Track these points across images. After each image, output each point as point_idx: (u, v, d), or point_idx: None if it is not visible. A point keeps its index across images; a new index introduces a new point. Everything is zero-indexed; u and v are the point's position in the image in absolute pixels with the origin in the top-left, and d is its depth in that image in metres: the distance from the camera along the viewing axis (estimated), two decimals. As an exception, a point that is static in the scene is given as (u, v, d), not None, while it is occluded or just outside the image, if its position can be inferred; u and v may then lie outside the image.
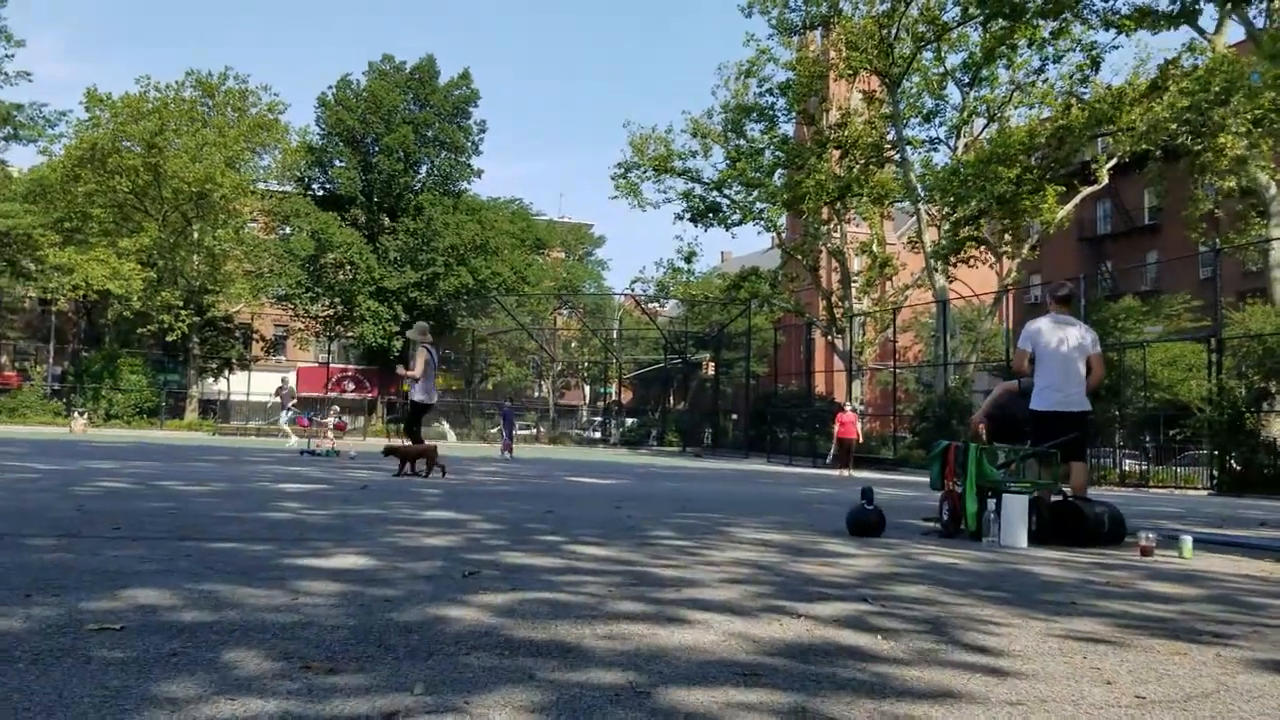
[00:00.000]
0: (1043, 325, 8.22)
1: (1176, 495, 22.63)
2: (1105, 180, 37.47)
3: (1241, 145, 24.50)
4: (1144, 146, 29.92)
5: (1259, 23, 28.44)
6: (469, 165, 53.29)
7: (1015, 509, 7.19)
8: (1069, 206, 37.92)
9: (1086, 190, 37.88)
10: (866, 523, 7.46)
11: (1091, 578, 5.61)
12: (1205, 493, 23.89)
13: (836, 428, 28.82)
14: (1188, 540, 6.92)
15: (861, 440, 30.08)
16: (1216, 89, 25.28)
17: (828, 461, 29.08)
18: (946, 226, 35.62)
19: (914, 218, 41.90)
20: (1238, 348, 24.01)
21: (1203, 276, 42.91)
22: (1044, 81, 35.77)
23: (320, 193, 53.44)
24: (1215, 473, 23.79)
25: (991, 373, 52.99)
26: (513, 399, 36.06)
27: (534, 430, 54.49)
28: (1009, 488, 7.56)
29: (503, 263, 51.72)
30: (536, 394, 65.12)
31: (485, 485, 13.05)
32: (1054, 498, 7.84)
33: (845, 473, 26.92)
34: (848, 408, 30.26)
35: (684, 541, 6.49)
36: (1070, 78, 30.67)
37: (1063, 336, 8.13)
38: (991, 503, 7.24)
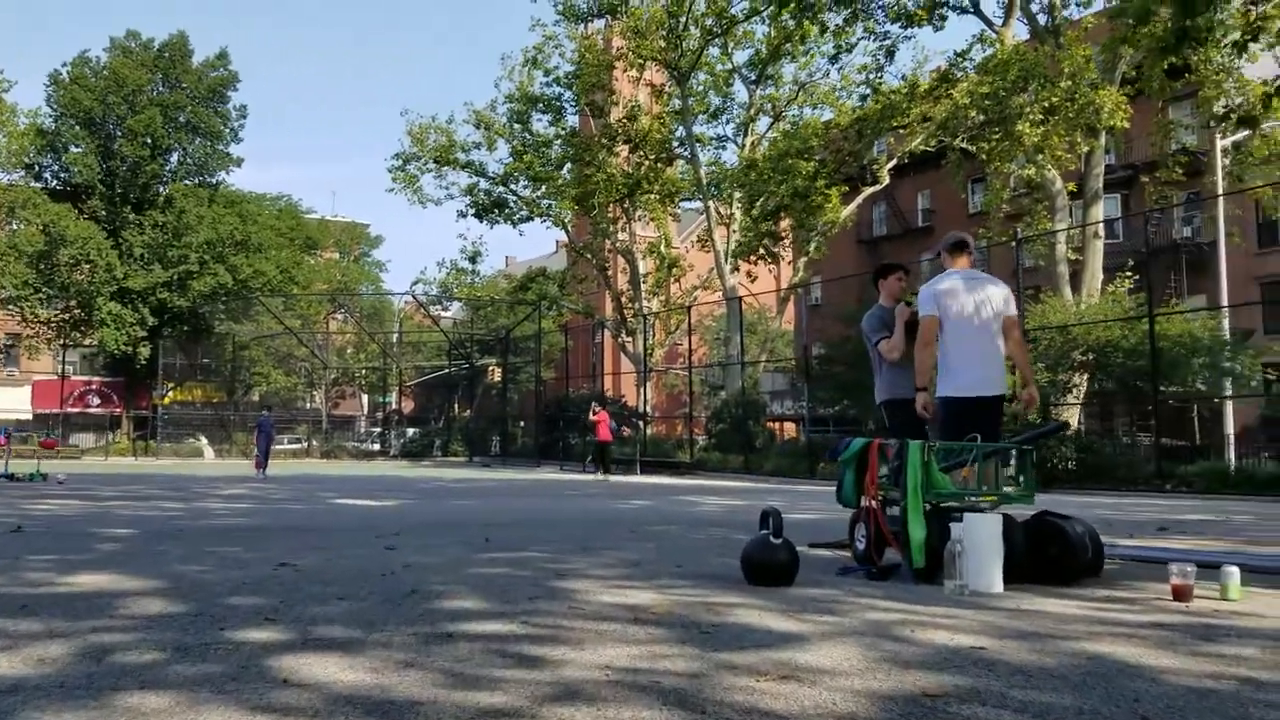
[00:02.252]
0: (953, 284, 5.96)
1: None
2: (886, 180, 37.15)
3: (1038, 134, 23.91)
4: (940, 139, 29.23)
5: (1041, 19, 28.30)
6: (228, 154, 48.00)
7: (986, 537, 4.83)
8: (852, 206, 37.38)
9: (868, 190, 37.45)
10: (775, 567, 4.90)
11: (1195, 663, 3.24)
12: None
13: (596, 427, 27.28)
14: (1234, 574, 4.72)
15: (612, 439, 28.25)
16: (1013, 76, 24.62)
17: (585, 466, 27.04)
18: (744, 223, 34.15)
19: (703, 216, 40.53)
20: (1038, 340, 23.28)
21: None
22: (838, 72, 34.91)
23: (53, 182, 46.91)
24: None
25: (779, 373, 52.58)
26: (270, 408, 31.86)
27: (304, 444, 49.81)
28: (974, 504, 5.21)
29: (267, 261, 46.76)
30: (308, 404, 59.99)
31: (212, 518, 9.79)
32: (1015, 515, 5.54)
33: (604, 477, 25.27)
34: (596, 406, 28.38)
35: (504, 625, 3.73)
36: (865, 68, 29.76)
37: (981, 299, 5.91)
38: (956, 529, 4.83)
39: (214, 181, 49.01)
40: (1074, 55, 24.47)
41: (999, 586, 4.81)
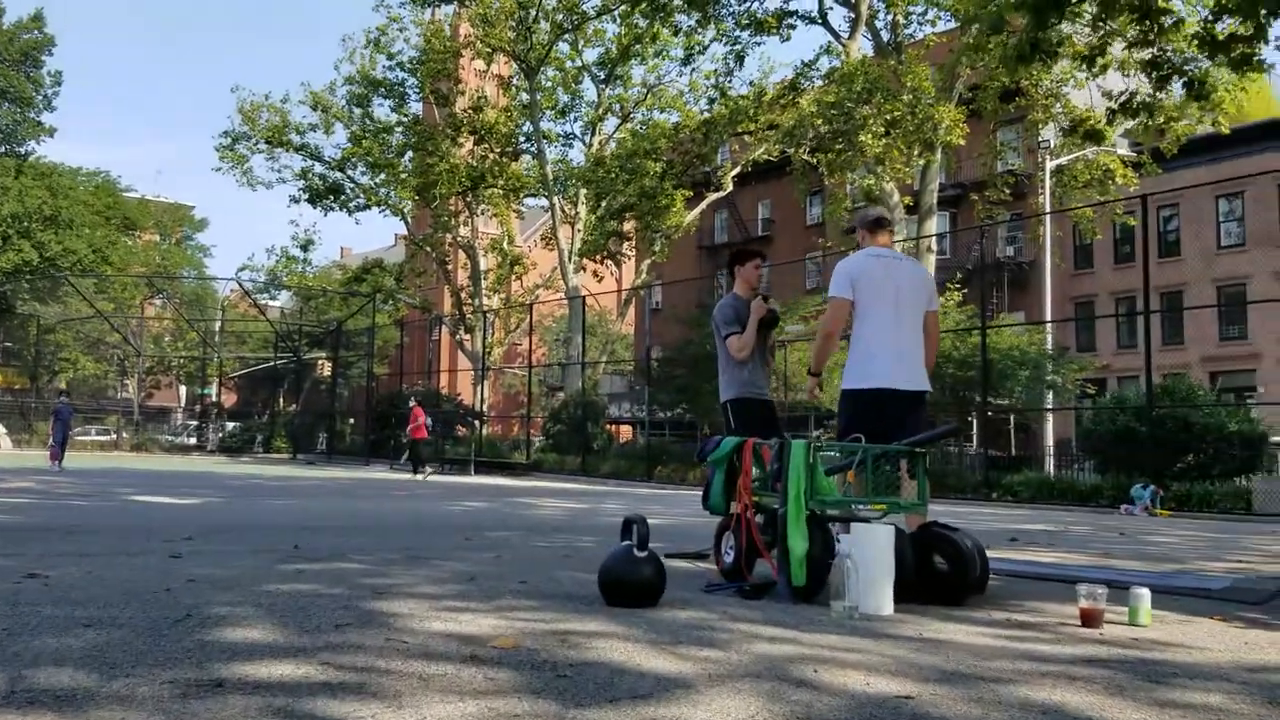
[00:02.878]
0: (867, 264, 5.34)
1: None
2: (730, 187, 37.22)
3: (879, 146, 24.12)
4: (784, 148, 29.25)
5: (885, 35, 28.70)
6: (39, 122, 44.24)
7: (877, 551, 4.19)
8: (696, 212, 37.30)
9: (712, 196, 37.45)
10: (641, 586, 4.13)
11: (1168, 718, 2.64)
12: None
13: (411, 425, 25.81)
14: (1144, 597, 4.22)
15: (426, 436, 26.99)
16: (858, 88, 24.77)
17: (402, 461, 25.61)
18: (590, 221, 33.47)
19: (547, 215, 39.68)
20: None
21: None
22: (687, 76, 34.66)
23: None
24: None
25: (617, 375, 52.14)
26: (69, 394, 29.25)
27: (114, 436, 46.34)
28: (861, 513, 4.58)
29: (79, 239, 43.27)
30: (120, 394, 55.97)
31: (-23, 514, 8.38)
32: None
33: (418, 476, 24.20)
34: (411, 402, 26.94)
35: (298, 667, 2.82)
36: (713, 74, 29.53)
37: (900, 283, 5.32)
38: (843, 543, 4.17)
39: (23, 151, 45.17)
40: (916, 71, 24.85)
41: (889, 608, 4.18)
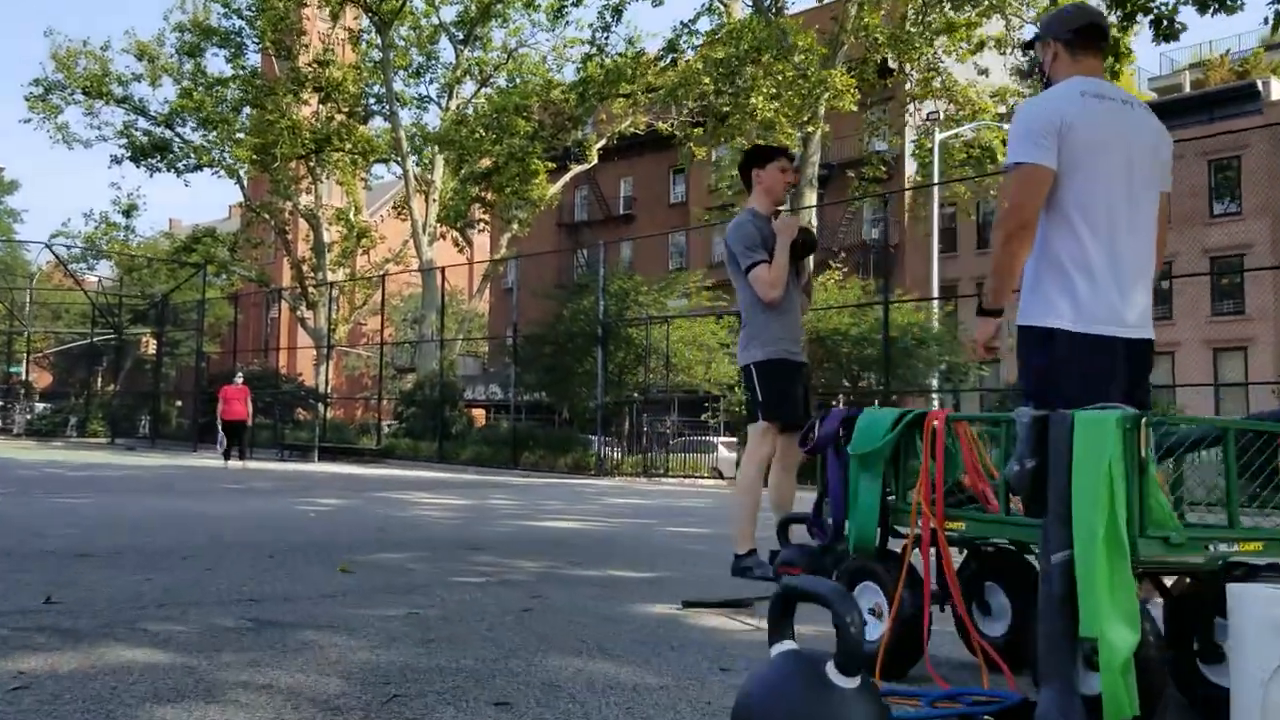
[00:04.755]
0: (1084, 108, 2.83)
1: (693, 486, 19.46)
2: (594, 160, 34.89)
3: (771, 109, 22.16)
4: (650, 121, 27.05)
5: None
6: None
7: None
8: (559, 184, 34.83)
9: (577, 168, 35.03)
10: None
11: None
12: (725, 482, 21.10)
13: (221, 405, 20.82)
14: None
15: (253, 421, 22.23)
16: (746, 46, 22.74)
17: (220, 449, 20.78)
18: (450, 187, 30.49)
19: (400, 185, 36.48)
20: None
21: (717, 257, 42.42)
22: (551, 39, 32.01)
23: None
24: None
25: (471, 357, 49.09)
26: None
27: (-100, 418, 40.61)
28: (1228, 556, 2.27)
29: None
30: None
31: None
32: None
33: (239, 464, 19.86)
34: (238, 380, 22.09)
35: None
36: (590, 26, 27.01)
37: (1134, 147, 2.87)
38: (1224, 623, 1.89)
39: None
40: (807, 34, 23.04)
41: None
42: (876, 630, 2.61)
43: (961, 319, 25.51)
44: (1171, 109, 34.83)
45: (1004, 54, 27.98)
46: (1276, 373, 31.00)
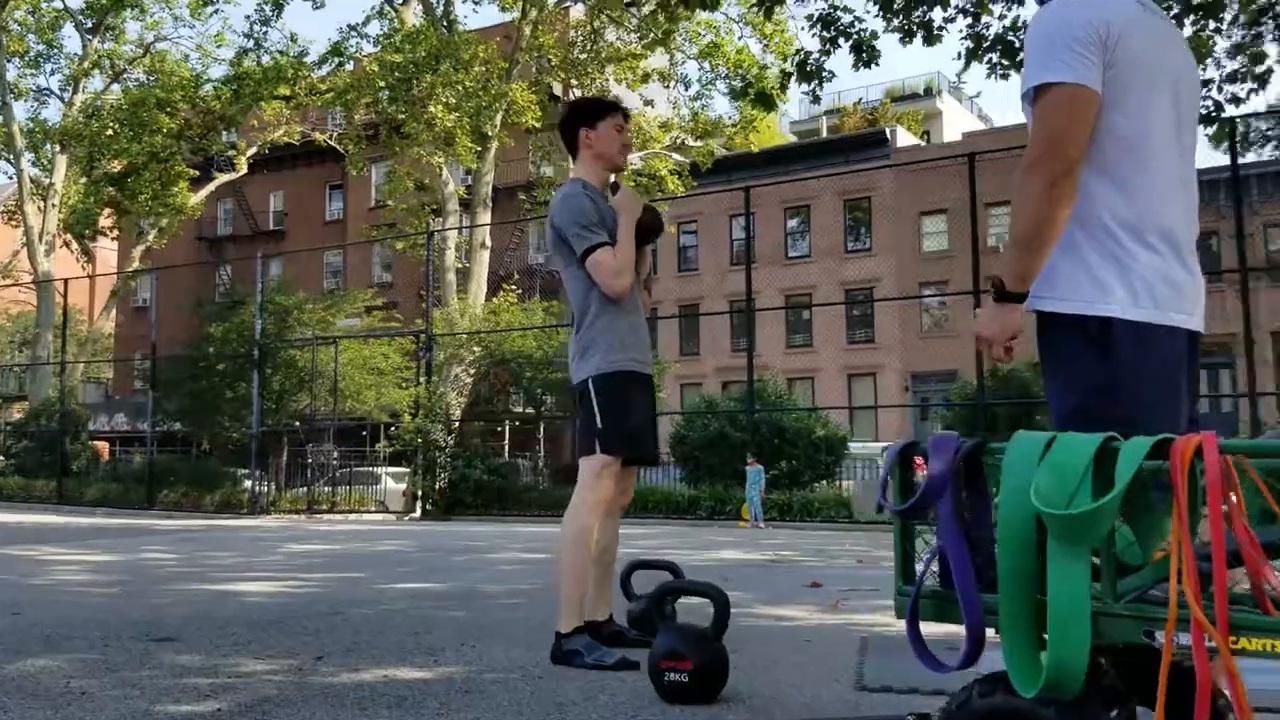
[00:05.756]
0: (1127, 14, 2.01)
1: (361, 523, 17.95)
2: (244, 169, 31.93)
3: (451, 119, 20.95)
4: (305, 132, 25.01)
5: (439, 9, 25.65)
6: None
7: None
8: (204, 193, 31.48)
9: (224, 177, 31.84)
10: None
11: None
12: (395, 517, 19.58)
13: None
14: None
15: None
16: (423, 53, 21.44)
17: None
18: (78, 189, 26.44)
19: (13, 185, 31.34)
20: (446, 344, 20.26)
21: (378, 278, 40.07)
22: (193, 34, 28.88)
23: None
24: (419, 492, 19.52)
25: (92, 383, 43.20)
26: None
27: None
28: None
29: None
30: None
31: None
32: None
33: None
34: None
35: None
36: (248, 18, 24.33)
37: (1180, 72, 2.12)
38: None
39: None
40: (488, 44, 22.14)
41: None
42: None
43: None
44: (810, 151, 37.51)
45: (668, 87, 28.68)
46: (900, 397, 33.81)
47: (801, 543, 11.02)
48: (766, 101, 11.24)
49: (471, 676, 3.20)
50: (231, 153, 31.89)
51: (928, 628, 1.73)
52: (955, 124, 42.69)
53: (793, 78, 11.05)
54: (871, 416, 32.87)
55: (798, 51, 11.20)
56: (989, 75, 10.60)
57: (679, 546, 10.04)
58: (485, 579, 6.46)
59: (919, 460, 1.83)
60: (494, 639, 3.94)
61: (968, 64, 10.65)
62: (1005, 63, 10.19)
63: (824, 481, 17.77)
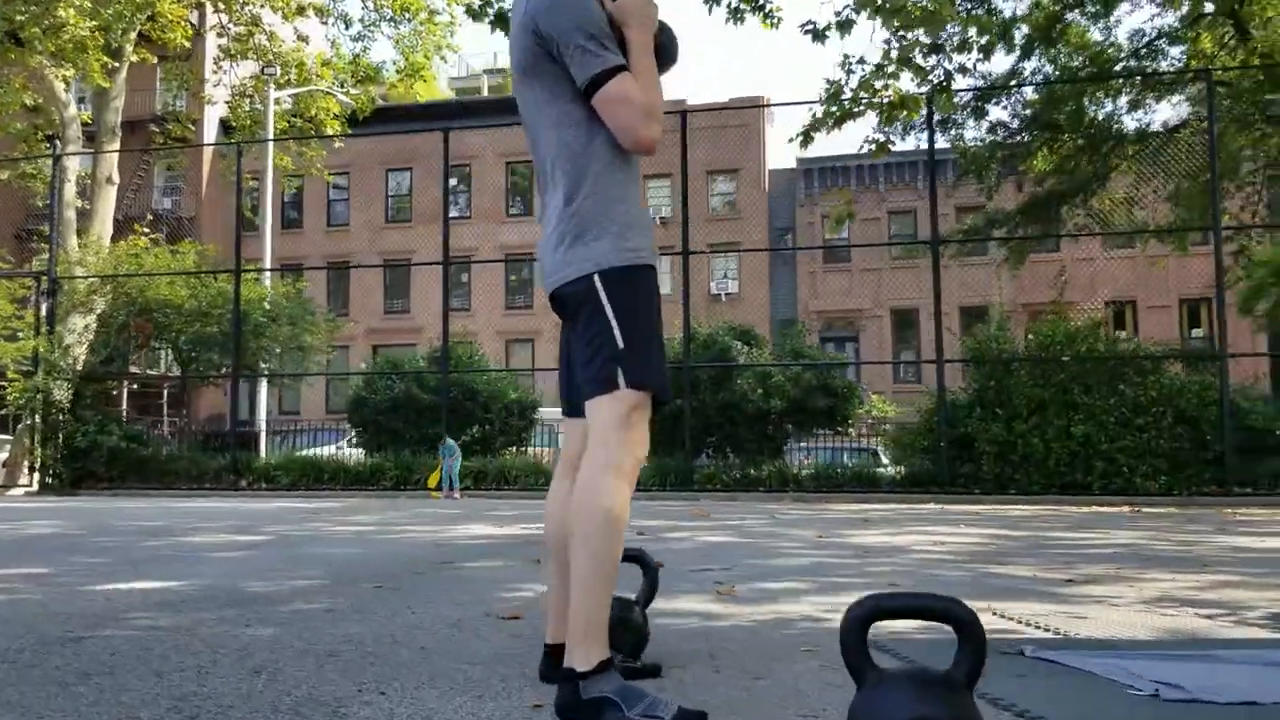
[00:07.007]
0: None
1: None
2: None
3: (87, 27, 17.43)
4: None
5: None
6: None
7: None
8: None
9: None
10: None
11: None
12: (21, 492, 16.23)
13: None
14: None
15: None
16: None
17: None
18: None
19: None
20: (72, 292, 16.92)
21: None
22: None
23: None
24: (40, 463, 16.22)
25: None
26: None
27: None
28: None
29: None
30: None
31: None
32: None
33: None
34: None
35: None
36: None
37: None
38: None
39: None
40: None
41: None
42: None
43: (312, 294, 23.15)
44: (473, 109, 36.05)
45: (325, 24, 26.17)
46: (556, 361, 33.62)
47: (530, 514, 9.98)
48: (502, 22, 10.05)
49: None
50: None
51: None
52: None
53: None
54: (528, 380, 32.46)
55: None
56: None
57: (408, 523, 8.67)
58: (229, 574, 4.84)
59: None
60: (390, 677, 2.58)
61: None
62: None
63: (513, 448, 16.79)
